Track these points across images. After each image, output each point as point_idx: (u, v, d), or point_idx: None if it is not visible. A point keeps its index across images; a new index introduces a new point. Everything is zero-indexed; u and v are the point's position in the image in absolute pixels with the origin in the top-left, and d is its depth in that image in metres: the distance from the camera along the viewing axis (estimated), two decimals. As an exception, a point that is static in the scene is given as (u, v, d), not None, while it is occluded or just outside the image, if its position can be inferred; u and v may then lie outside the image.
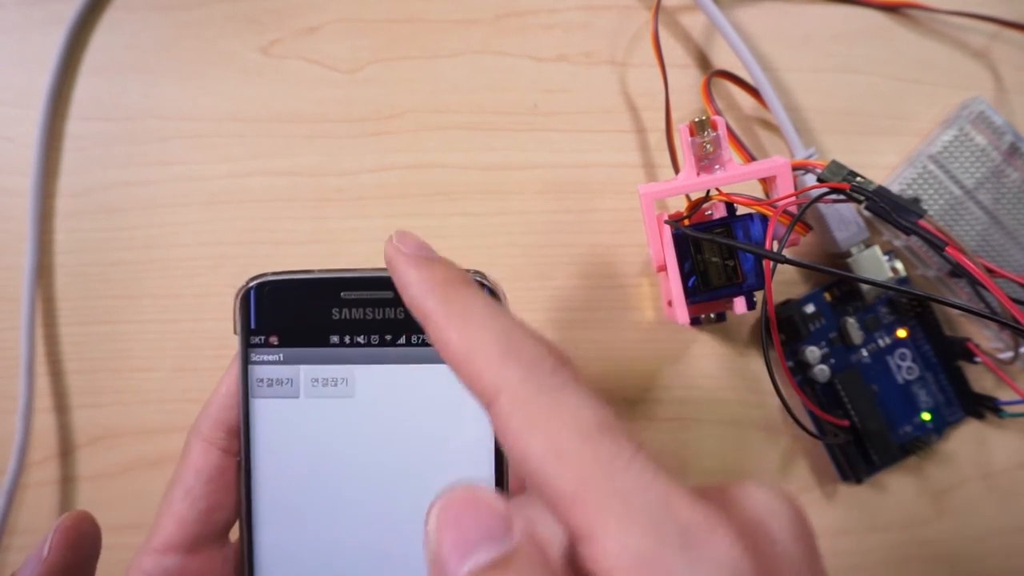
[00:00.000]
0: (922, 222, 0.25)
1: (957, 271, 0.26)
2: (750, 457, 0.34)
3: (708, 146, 0.27)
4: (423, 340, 0.21)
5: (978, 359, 0.32)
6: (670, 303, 0.32)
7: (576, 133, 0.35)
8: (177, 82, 0.35)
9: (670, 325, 0.34)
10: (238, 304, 0.22)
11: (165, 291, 0.34)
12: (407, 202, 0.35)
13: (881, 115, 0.35)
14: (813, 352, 0.33)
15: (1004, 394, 0.33)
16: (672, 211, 0.32)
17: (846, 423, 0.32)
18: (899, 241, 0.33)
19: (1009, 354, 0.33)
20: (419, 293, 0.18)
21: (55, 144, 0.35)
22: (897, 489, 0.34)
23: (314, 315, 0.21)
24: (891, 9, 0.35)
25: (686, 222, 0.29)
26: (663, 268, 0.28)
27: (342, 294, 0.21)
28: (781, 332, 0.34)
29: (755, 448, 0.34)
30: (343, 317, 0.21)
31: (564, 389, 0.16)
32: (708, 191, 0.29)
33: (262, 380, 0.22)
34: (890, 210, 0.26)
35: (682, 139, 0.27)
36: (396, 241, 0.20)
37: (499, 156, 0.35)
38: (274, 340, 0.22)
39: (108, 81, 0.35)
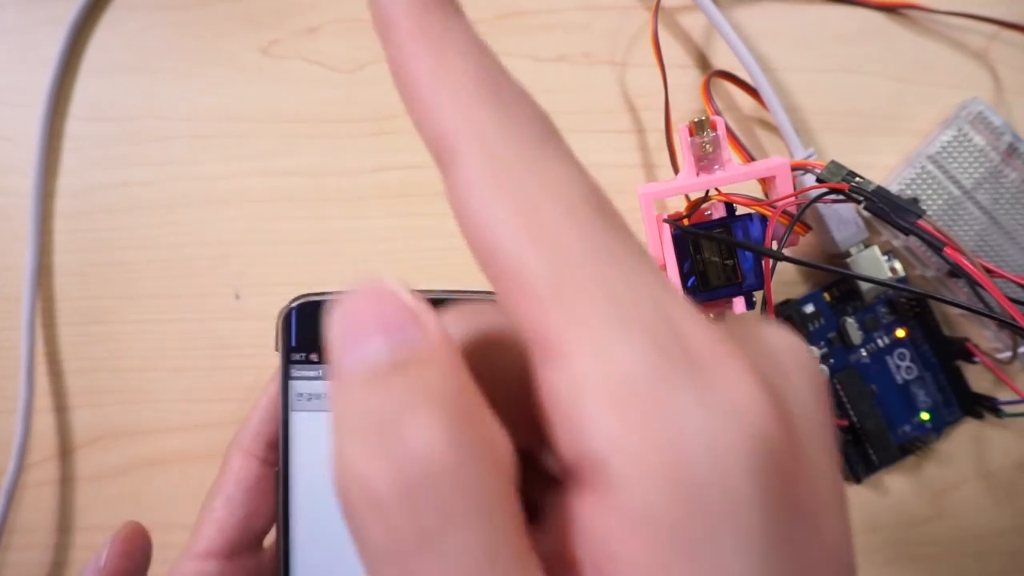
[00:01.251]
0: (921, 222, 0.25)
1: (955, 271, 0.26)
2: (749, 457, 0.34)
3: (707, 146, 0.27)
4: None
5: (977, 359, 0.32)
6: (670, 303, 0.32)
7: (576, 133, 0.35)
8: (177, 82, 0.35)
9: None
10: (280, 323, 0.23)
11: (165, 291, 0.34)
12: (407, 202, 0.35)
13: (880, 115, 0.35)
14: (812, 352, 0.33)
15: (1003, 394, 0.33)
16: (671, 211, 0.32)
17: (845, 423, 0.32)
18: (898, 241, 0.33)
19: (1008, 354, 0.33)
20: None
21: (55, 144, 0.35)
22: (896, 489, 0.34)
23: None
24: (891, 9, 0.35)
25: (685, 222, 0.29)
26: (662, 268, 0.28)
27: None
28: (780, 332, 0.34)
29: (754, 448, 0.34)
30: None
31: (548, 147, 0.12)
32: (707, 191, 0.29)
33: (302, 395, 0.23)
34: (889, 210, 0.26)
35: (681, 139, 0.27)
36: None
37: (499, 156, 0.35)
38: (314, 357, 0.23)
39: (108, 81, 0.35)
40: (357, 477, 0.10)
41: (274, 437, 0.23)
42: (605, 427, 0.10)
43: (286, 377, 0.23)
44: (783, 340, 0.12)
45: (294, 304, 0.23)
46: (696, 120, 0.27)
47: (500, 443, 0.11)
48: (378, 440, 0.10)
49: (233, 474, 0.23)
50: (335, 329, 0.11)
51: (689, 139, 0.27)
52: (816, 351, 0.33)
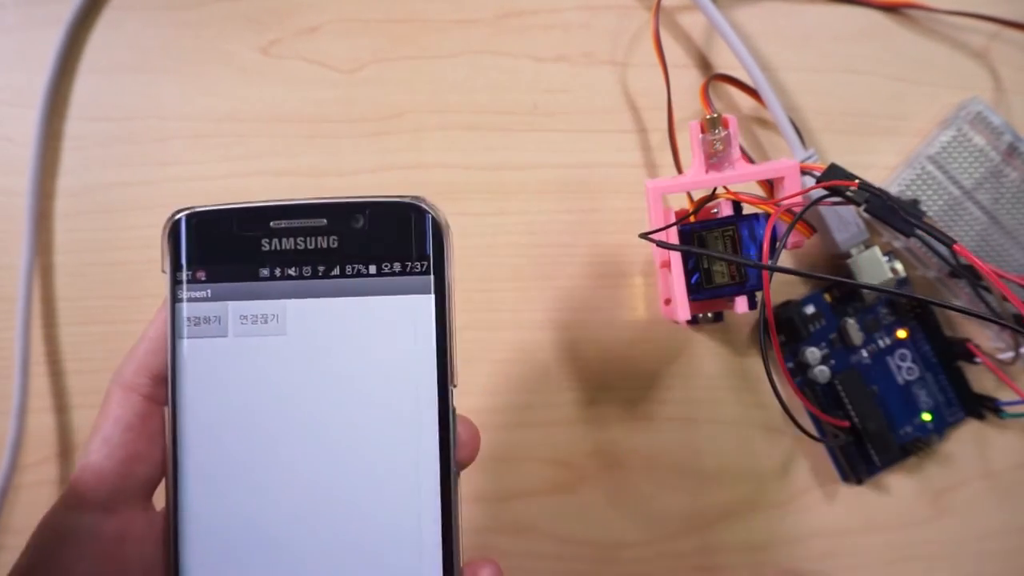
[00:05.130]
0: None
1: (956, 272, 0.26)
2: (751, 457, 0.34)
3: (718, 144, 0.27)
4: (358, 271, 0.20)
5: (978, 360, 0.32)
6: (667, 301, 0.32)
7: (576, 133, 0.35)
8: (177, 82, 0.35)
9: (670, 325, 0.34)
10: (165, 238, 0.20)
11: (164, 291, 0.34)
12: (407, 202, 0.34)
13: (880, 115, 0.35)
14: (813, 353, 0.33)
15: (1004, 394, 0.33)
16: (675, 210, 0.32)
17: (846, 424, 0.32)
18: (899, 242, 0.33)
19: (1009, 354, 0.33)
20: None
21: (54, 144, 0.35)
22: (898, 489, 0.34)
23: (243, 248, 0.20)
24: (891, 9, 0.35)
25: (692, 219, 0.29)
26: (666, 264, 0.28)
27: (271, 224, 0.20)
28: (781, 333, 0.34)
29: (756, 448, 0.34)
30: (273, 249, 0.20)
31: None
32: (715, 189, 0.29)
33: (190, 319, 0.20)
34: (889, 214, 0.26)
35: (692, 136, 0.27)
36: None
37: (499, 156, 0.35)
38: (202, 275, 0.20)
39: (107, 81, 0.35)
40: None
41: (159, 370, 0.20)
42: None
43: (174, 300, 0.20)
44: None
45: (178, 215, 0.20)
46: (708, 117, 0.27)
47: None
48: None
49: (111, 412, 0.20)
50: None
51: (700, 136, 0.27)
52: (817, 352, 0.33)
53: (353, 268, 0.20)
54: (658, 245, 0.27)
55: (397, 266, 0.20)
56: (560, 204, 0.34)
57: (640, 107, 0.35)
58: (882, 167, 0.34)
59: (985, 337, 0.34)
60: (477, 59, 0.35)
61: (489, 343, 0.34)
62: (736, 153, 0.27)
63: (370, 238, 0.20)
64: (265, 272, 0.20)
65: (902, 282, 0.33)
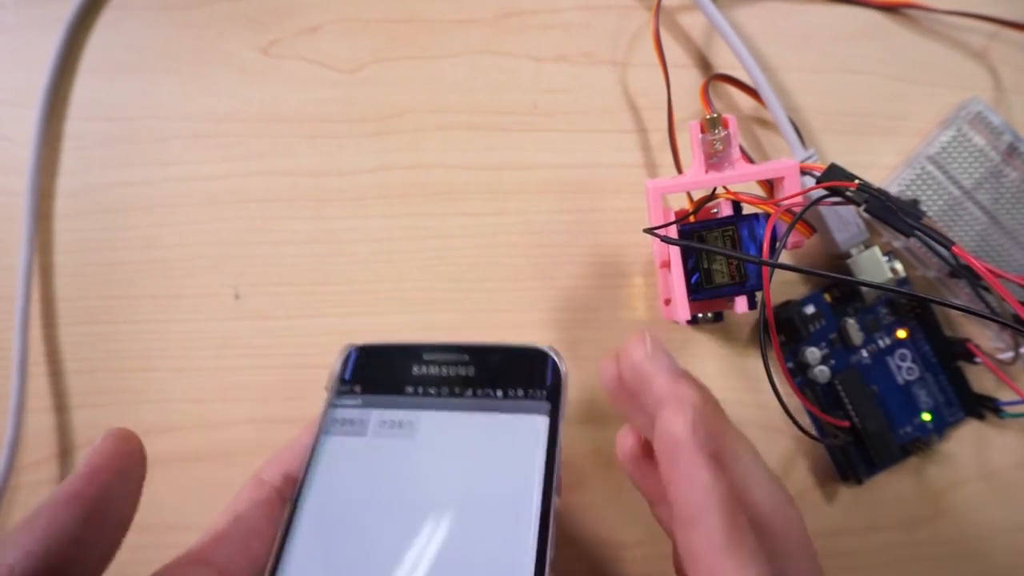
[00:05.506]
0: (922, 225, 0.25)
1: (956, 272, 0.26)
2: (750, 457, 0.34)
3: (718, 144, 0.27)
4: (486, 393, 0.23)
5: (978, 359, 0.32)
6: (667, 301, 0.32)
7: (576, 133, 0.35)
8: (176, 82, 0.35)
9: (670, 325, 0.34)
10: (339, 360, 0.25)
11: (164, 291, 0.34)
12: (407, 202, 0.35)
13: (880, 115, 0.35)
14: (813, 353, 0.33)
15: (1004, 394, 0.33)
16: (675, 210, 0.32)
17: (846, 424, 0.32)
18: (899, 242, 0.33)
19: (1009, 354, 0.33)
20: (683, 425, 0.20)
21: (54, 144, 0.35)
22: (897, 489, 0.34)
23: (396, 371, 0.24)
24: (891, 9, 0.35)
25: (692, 219, 0.29)
26: (666, 264, 0.28)
27: (424, 355, 0.24)
28: (781, 333, 0.34)
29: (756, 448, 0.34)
30: (420, 373, 0.24)
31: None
32: (715, 189, 0.29)
33: (337, 420, 0.23)
34: (889, 214, 0.26)
35: (692, 136, 0.27)
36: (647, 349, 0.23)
37: (499, 156, 0.35)
38: (357, 389, 0.24)
39: (107, 81, 0.35)
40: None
41: (292, 470, 0.23)
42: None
43: (330, 405, 0.24)
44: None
45: (351, 348, 0.25)
46: (708, 117, 0.27)
47: None
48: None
49: (243, 494, 0.23)
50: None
51: (700, 136, 0.27)
52: (817, 352, 0.33)
53: (483, 391, 0.23)
54: (663, 240, 0.27)
55: (520, 391, 0.23)
56: (560, 204, 0.34)
57: (640, 107, 0.35)
58: (882, 167, 0.34)
59: (985, 337, 0.34)
60: (477, 59, 0.35)
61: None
62: (736, 153, 0.27)
63: (502, 370, 0.23)
64: (409, 389, 0.24)
65: (902, 282, 0.33)
